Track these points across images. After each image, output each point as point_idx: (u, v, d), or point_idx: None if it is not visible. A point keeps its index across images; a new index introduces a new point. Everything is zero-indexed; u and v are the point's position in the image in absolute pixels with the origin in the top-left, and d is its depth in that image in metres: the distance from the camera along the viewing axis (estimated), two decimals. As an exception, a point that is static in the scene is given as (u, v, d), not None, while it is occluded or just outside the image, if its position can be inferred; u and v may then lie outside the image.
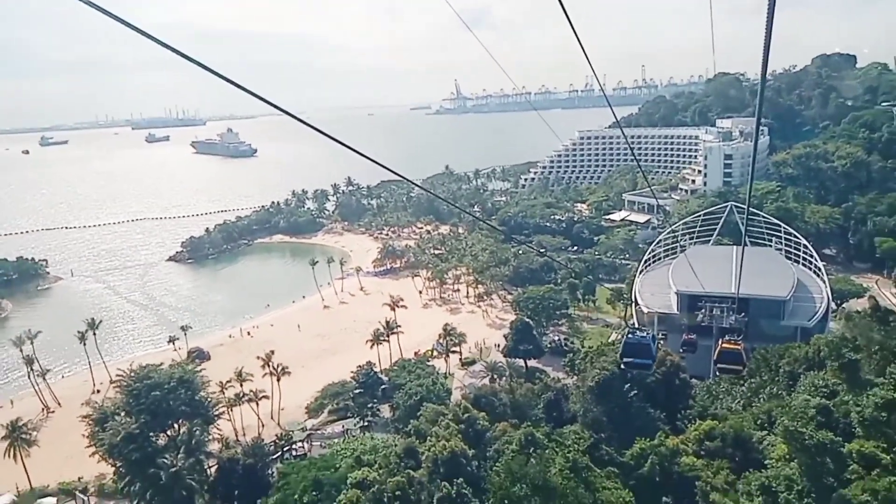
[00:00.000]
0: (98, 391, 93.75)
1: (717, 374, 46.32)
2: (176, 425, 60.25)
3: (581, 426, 47.17)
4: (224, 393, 74.63)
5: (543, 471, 36.56)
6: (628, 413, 47.54)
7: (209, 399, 64.03)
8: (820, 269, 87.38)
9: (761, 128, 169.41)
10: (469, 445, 45.41)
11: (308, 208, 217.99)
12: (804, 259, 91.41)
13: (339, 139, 10.85)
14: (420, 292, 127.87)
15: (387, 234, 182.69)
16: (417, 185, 24.33)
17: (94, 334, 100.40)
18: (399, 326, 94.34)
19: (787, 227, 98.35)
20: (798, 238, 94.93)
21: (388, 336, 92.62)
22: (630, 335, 35.15)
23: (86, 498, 65.76)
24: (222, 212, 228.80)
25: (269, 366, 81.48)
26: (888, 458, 33.10)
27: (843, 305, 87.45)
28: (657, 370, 50.22)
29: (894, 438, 34.37)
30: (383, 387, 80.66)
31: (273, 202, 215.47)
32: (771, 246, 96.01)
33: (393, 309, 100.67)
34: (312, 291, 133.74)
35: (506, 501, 36.58)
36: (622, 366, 38.86)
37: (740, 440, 43.01)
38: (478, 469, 44.44)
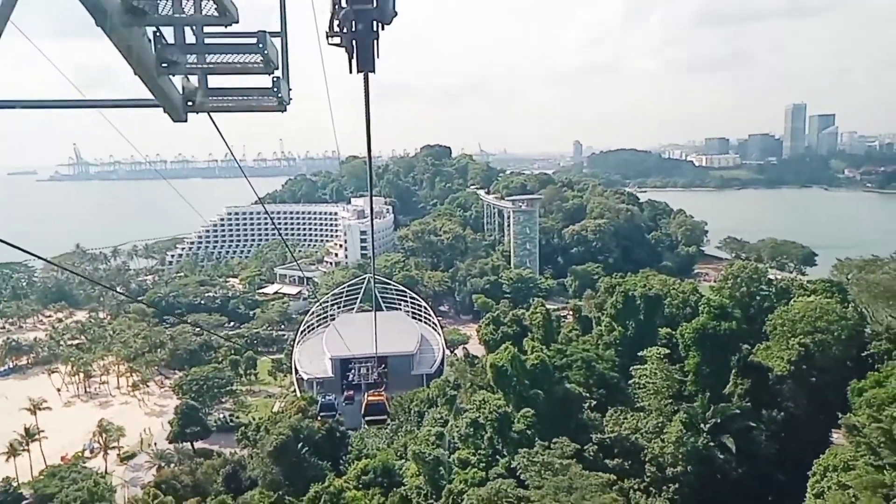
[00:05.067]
0: None
1: (367, 426, 59.40)
2: None
3: (262, 488, 54.37)
4: None
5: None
6: (302, 468, 56.70)
7: None
8: (437, 325, 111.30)
9: (387, 206, 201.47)
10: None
11: None
12: (425, 317, 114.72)
13: None
14: (59, 390, 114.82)
15: (3, 328, 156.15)
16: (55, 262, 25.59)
17: None
18: (42, 431, 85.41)
19: (411, 291, 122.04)
20: (420, 300, 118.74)
21: (27, 445, 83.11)
22: (323, 398, 59.65)
23: None
24: None
25: None
26: (475, 458, 49.48)
27: (455, 352, 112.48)
28: (321, 428, 61.65)
29: (478, 444, 51.20)
30: (26, 501, 73.36)
31: None
32: (400, 309, 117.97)
33: (34, 413, 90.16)
34: None
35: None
36: (319, 417, 61.18)
37: (386, 469, 55.99)
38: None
